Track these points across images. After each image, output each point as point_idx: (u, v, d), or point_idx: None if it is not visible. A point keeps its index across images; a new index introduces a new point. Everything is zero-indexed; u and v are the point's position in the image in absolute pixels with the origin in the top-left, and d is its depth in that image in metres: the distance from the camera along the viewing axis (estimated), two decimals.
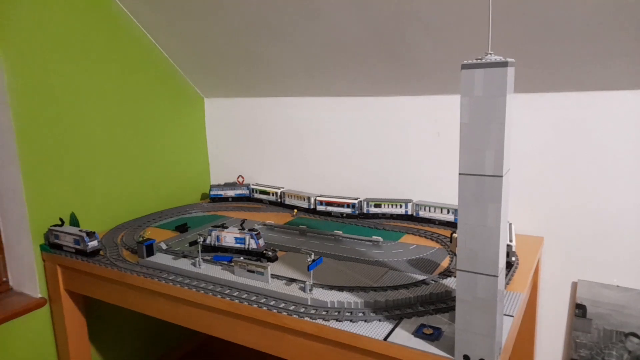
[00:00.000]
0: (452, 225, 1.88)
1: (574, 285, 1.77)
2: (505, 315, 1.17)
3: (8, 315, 1.71)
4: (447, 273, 1.43)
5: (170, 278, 1.48)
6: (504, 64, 0.86)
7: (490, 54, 0.89)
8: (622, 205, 1.66)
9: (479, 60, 0.88)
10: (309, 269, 1.29)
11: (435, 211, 1.91)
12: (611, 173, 1.66)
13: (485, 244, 0.93)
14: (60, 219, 1.83)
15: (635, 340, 1.63)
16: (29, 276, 1.84)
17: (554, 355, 1.84)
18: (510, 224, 1.58)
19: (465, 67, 0.89)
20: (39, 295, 1.84)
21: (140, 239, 1.64)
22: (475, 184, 0.92)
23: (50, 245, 1.80)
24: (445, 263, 1.53)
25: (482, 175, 0.91)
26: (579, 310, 1.73)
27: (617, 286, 1.68)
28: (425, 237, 1.80)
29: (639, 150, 1.60)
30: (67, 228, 1.78)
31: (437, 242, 1.74)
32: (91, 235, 1.70)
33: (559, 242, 1.78)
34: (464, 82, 0.90)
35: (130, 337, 2.26)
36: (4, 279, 1.88)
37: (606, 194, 1.68)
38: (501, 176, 0.89)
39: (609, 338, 1.67)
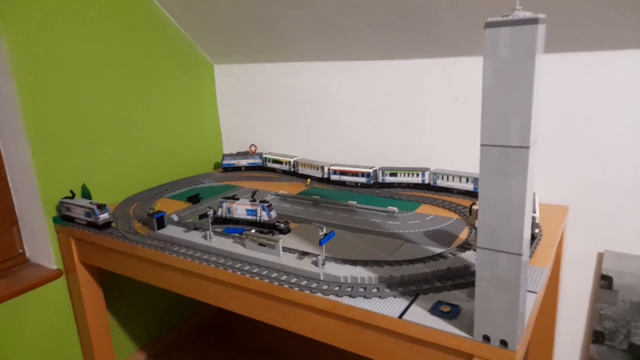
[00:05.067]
0: (472, 194, 1.80)
1: (600, 257, 1.69)
2: (528, 291, 1.12)
3: (26, 287, 1.73)
4: (466, 246, 1.36)
5: (181, 251, 1.46)
6: (534, 21, 0.77)
7: (519, 9, 0.80)
8: None
9: (505, 17, 0.79)
10: (320, 244, 1.24)
11: (453, 180, 1.83)
12: None
13: (509, 220, 0.86)
14: (71, 191, 1.81)
15: None
16: (44, 248, 1.85)
17: (576, 327, 1.79)
18: (534, 194, 1.49)
19: (489, 25, 0.80)
20: (55, 267, 1.85)
21: (151, 211, 1.61)
22: (498, 155, 0.84)
23: (63, 218, 1.79)
24: (463, 235, 1.46)
25: (506, 147, 0.83)
26: (604, 282, 1.66)
27: None
28: (443, 207, 1.73)
29: None
30: (78, 200, 1.76)
31: (455, 212, 1.67)
32: (102, 207, 1.68)
33: (585, 211, 1.69)
34: (488, 42, 0.81)
35: (147, 307, 2.28)
36: (20, 250, 1.89)
37: (635, 160, 1.57)
38: (528, 147, 0.81)
39: (636, 310, 1.61)
